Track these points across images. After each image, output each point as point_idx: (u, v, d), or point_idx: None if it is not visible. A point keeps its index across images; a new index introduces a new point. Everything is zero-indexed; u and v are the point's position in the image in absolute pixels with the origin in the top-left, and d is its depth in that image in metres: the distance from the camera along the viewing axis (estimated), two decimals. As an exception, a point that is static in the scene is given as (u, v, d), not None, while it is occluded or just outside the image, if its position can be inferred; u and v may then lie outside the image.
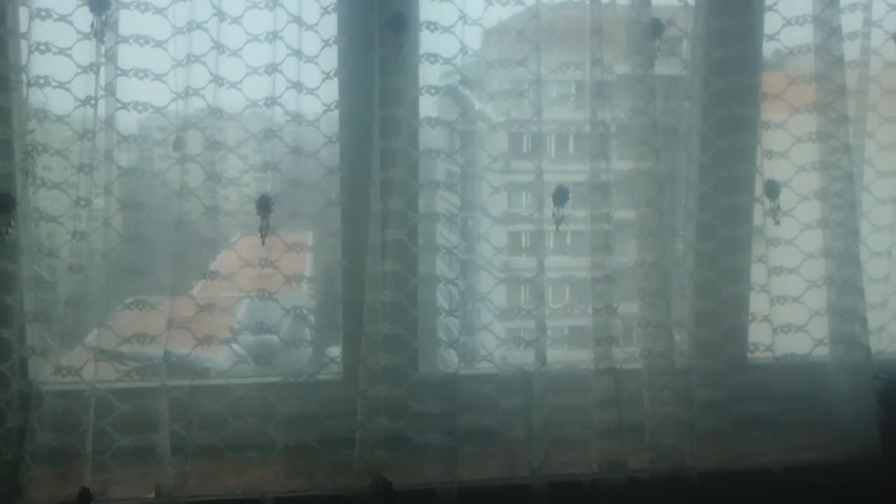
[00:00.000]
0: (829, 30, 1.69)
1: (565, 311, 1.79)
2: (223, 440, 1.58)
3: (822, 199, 1.74)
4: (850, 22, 1.72)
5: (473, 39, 1.62)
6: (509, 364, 1.68)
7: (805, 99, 1.72)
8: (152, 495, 1.52)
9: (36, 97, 1.49)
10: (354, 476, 1.56)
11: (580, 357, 1.69)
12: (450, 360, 1.74)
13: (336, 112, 1.61)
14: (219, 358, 1.66)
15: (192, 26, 1.50)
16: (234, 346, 1.66)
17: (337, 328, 1.73)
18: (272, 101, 1.54)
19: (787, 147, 1.72)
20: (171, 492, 1.52)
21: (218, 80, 1.52)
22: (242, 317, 1.72)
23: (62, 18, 1.47)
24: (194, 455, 1.55)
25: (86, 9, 1.47)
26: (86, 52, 1.48)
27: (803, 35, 1.72)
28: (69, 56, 1.48)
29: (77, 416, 1.51)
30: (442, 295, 1.79)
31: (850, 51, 1.71)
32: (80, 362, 1.52)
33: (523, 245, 1.81)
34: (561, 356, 1.75)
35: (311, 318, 1.75)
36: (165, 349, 1.52)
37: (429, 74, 1.64)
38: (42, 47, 1.47)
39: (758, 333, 1.75)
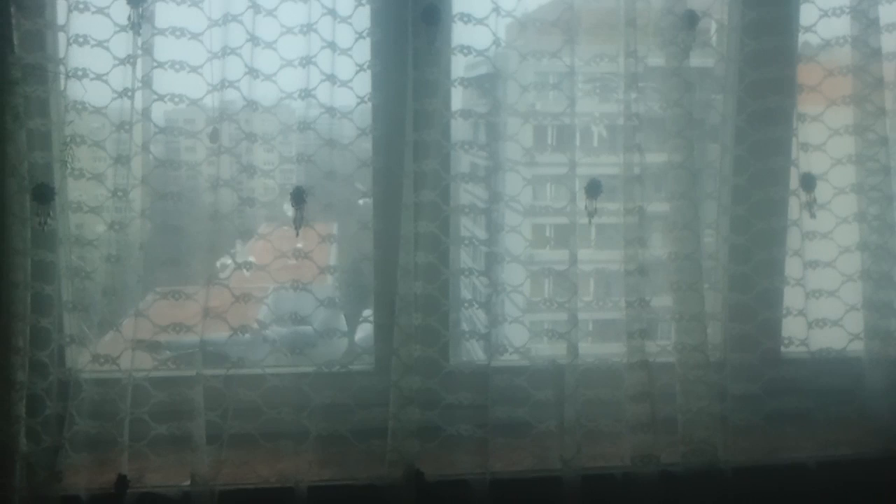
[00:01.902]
0: (866, 21, 1.68)
1: (597, 304, 1.78)
2: (258, 429, 1.60)
3: (859, 192, 1.72)
4: (888, 13, 1.70)
5: (506, 31, 1.62)
6: (541, 356, 1.67)
7: (842, 91, 1.71)
8: (188, 483, 1.54)
9: (74, 89, 1.51)
10: (387, 466, 1.58)
11: (612, 350, 1.68)
12: (476, 353, 1.75)
13: (369, 104, 1.61)
14: (254, 347, 1.68)
15: (227, 18, 1.51)
16: (268, 332, 1.68)
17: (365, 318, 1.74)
18: (306, 94, 1.55)
19: (823, 140, 1.70)
20: (206, 479, 1.54)
21: (253, 72, 1.53)
22: (272, 306, 1.74)
23: (100, 11, 1.49)
24: (229, 443, 1.57)
25: (123, 1, 1.49)
26: (123, 44, 1.49)
27: (840, 27, 1.70)
28: (106, 48, 1.50)
29: (114, 404, 1.53)
30: (471, 288, 1.79)
31: (888, 43, 1.69)
32: (117, 351, 1.54)
33: (553, 237, 1.81)
34: (593, 349, 1.75)
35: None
36: (201, 338, 1.54)
37: (461, 66, 1.64)
38: (80, 39, 1.49)
39: (792, 328, 1.73)
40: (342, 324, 1.75)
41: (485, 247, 1.70)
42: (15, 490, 1.49)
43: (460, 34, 1.61)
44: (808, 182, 1.69)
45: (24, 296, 1.48)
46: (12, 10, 1.47)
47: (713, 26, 1.70)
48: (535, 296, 1.76)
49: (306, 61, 1.55)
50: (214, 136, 1.52)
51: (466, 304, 1.70)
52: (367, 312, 1.76)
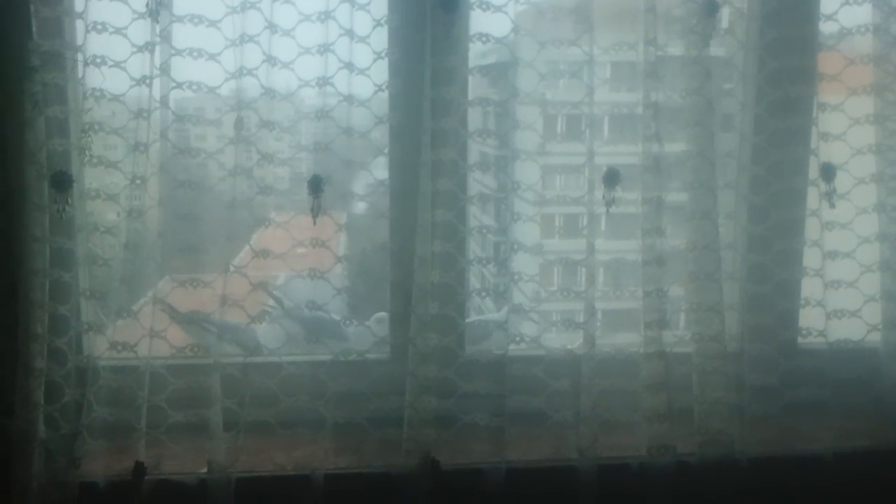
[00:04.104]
0: (888, 9, 1.66)
1: (613, 294, 1.77)
2: (274, 417, 1.60)
3: (879, 182, 1.71)
4: (911, 1, 1.68)
5: (524, 19, 1.61)
6: (558, 346, 1.67)
7: (862, 80, 1.69)
8: (205, 470, 1.55)
9: (92, 76, 1.50)
10: (403, 454, 1.58)
11: (628, 340, 1.68)
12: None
13: (387, 92, 1.60)
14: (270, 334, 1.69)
15: (245, 6, 1.50)
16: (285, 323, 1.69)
17: (380, 307, 1.74)
18: (324, 82, 1.54)
19: (843, 129, 1.68)
20: (223, 467, 1.54)
21: (271, 59, 1.52)
22: (285, 294, 1.74)
23: (118, -2, 1.49)
24: (246, 431, 1.57)
25: (141, -11, 1.48)
26: (141, 31, 1.49)
27: (862, 15, 1.68)
28: (125, 35, 1.49)
29: (132, 392, 1.54)
30: (481, 277, 1.79)
31: (910, 31, 1.68)
32: (134, 338, 1.55)
33: (569, 227, 1.80)
34: (607, 339, 1.74)
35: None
36: (219, 326, 1.54)
37: (479, 54, 1.63)
38: (98, 27, 1.48)
39: (810, 318, 1.72)
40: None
41: (499, 236, 1.69)
42: (33, 476, 1.50)
43: (478, 21, 1.60)
44: (828, 172, 1.67)
45: (42, 283, 1.48)
46: (31, -3, 1.47)
47: (733, 14, 1.68)
48: (549, 286, 1.76)
49: (324, 49, 1.54)
50: (239, 125, 1.51)
51: (483, 294, 1.69)
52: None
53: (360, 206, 1.72)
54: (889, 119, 1.68)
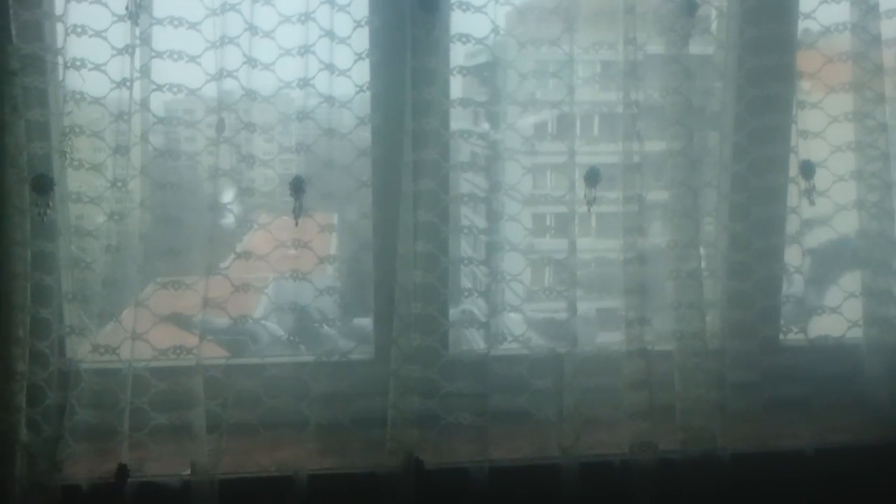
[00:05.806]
0: (865, 7, 1.67)
1: (596, 293, 1.78)
2: (258, 418, 1.60)
3: (858, 179, 1.72)
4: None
5: (505, 19, 1.61)
6: (541, 345, 1.67)
7: (841, 78, 1.70)
8: (188, 472, 1.55)
9: (73, 79, 1.50)
10: (386, 454, 1.58)
11: (611, 338, 1.68)
12: (475, 342, 1.75)
13: (368, 93, 1.61)
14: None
15: (225, 7, 1.51)
16: (268, 325, 1.69)
17: (365, 308, 1.74)
18: (305, 83, 1.55)
19: (822, 127, 1.70)
20: (206, 468, 1.54)
21: (251, 61, 1.52)
22: (272, 296, 1.74)
23: (97, 1, 1.49)
24: (229, 432, 1.57)
25: (120, -10, 1.48)
26: (121, 34, 1.49)
27: (840, 13, 1.69)
28: (105, 38, 1.49)
29: (114, 394, 1.54)
30: (469, 277, 1.79)
31: (888, 29, 1.68)
32: (117, 341, 1.54)
33: (551, 226, 1.81)
34: (592, 337, 1.75)
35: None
36: (200, 327, 1.54)
37: (460, 55, 1.64)
38: (78, 29, 1.48)
39: (791, 315, 1.73)
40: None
41: (484, 236, 1.69)
42: (16, 480, 1.49)
43: (459, 22, 1.60)
44: (808, 169, 1.68)
45: (24, 286, 1.48)
46: (10, 0, 1.46)
47: (713, 13, 1.70)
48: (534, 285, 1.76)
49: (304, 50, 1.54)
50: (220, 127, 1.51)
51: (466, 293, 1.70)
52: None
53: (344, 207, 1.72)
54: (868, 116, 1.69)
